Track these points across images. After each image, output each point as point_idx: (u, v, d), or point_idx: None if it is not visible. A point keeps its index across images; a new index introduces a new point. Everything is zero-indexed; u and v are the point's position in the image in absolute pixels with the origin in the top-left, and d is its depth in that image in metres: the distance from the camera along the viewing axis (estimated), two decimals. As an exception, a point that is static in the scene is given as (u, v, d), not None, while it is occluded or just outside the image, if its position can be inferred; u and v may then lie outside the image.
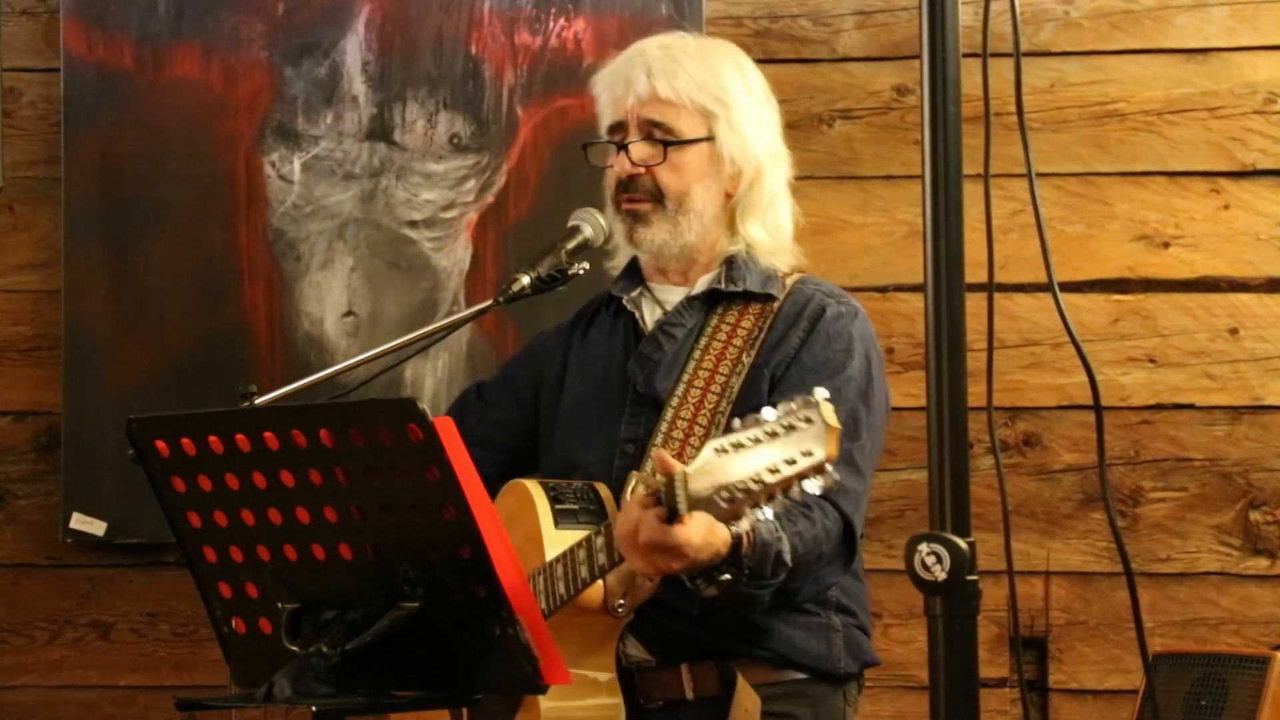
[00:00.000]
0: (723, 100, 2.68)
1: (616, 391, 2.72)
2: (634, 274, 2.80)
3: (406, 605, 2.03)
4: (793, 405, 2.09)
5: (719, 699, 2.59)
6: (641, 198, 2.69)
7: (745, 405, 2.59)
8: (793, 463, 2.07)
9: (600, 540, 2.43)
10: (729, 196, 2.71)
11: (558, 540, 2.53)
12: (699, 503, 2.18)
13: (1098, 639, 3.72)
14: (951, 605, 1.80)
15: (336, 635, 2.05)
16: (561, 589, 2.48)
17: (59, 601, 3.84)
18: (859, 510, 2.58)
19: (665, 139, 2.67)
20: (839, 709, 2.67)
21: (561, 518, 2.56)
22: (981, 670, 1.95)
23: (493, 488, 2.78)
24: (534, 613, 2.02)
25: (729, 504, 2.14)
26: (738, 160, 2.69)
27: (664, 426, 2.62)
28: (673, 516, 2.23)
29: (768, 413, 2.10)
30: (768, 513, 2.16)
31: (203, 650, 3.79)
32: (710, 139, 2.68)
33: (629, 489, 2.51)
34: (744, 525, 2.30)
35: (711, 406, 2.62)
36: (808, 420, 2.07)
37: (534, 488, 2.60)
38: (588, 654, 2.53)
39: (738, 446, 2.12)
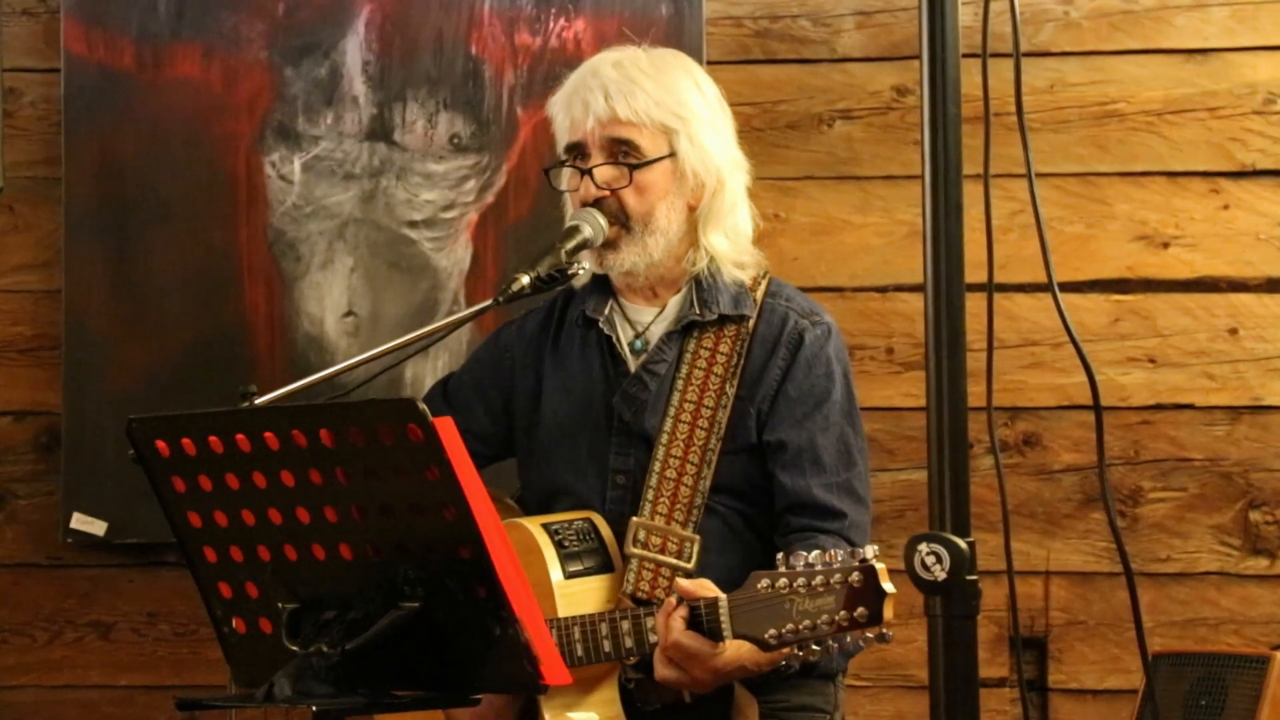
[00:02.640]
0: (681, 115, 2.68)
1: (601, 418, 2.73)
2: (602, 288, 2.79)
3: (406, 605, 2.03)
4: (847, 558, 2.24)
5: (716, 700, 2.60)
6: (608, 222, 2.69)
7: (734, 441, 2.66)
8: (849, 623, 2.22)
9: (627, 625, 2.51)
10: (692, 209, 2.71)
11: (570, 596, 2.58)
12: (744, 632, 2.34)
13: (1098, 639, 3.72)
14: (951, 605, 1.80)
15: (336, 635, 2.04)
16: (580, 652, 2.54)
17: (59, 601, 3.84)
18: (867, 538, 2.64)
19: (630, 161, 2.66)
20: (830, 694, 2.73)
21: (568, 561, 2.60)
22: (981, 670, 1.95)
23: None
24: (534, 613, 2.02)
25: (777, 640, 2.30)
26: (700, 173, 2.69)
27: (657, 466, 2.65)
28: (715, 637, 2.39)
29: (815, 557, 2.26)
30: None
31: (203, 650, 3.79)
32: (672, 155, 2.68)
33: (630, 537, 2.62)
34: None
35: (701, 443, 2.65)
36: (860, 580, 2.22)
37: (537, 531, 2.62)
38: (592, 691, 2.59)
39: (788, 587, 2.27)
